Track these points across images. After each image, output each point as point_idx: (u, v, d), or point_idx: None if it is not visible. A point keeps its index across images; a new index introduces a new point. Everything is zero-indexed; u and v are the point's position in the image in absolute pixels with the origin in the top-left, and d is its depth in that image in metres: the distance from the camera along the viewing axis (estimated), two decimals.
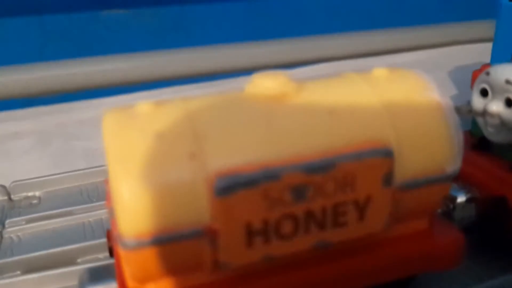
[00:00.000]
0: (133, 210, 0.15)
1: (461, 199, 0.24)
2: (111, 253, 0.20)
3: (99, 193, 0.33)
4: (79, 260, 0.28)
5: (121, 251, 0.16)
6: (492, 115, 0.24)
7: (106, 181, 0.19)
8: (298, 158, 0.16)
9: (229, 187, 0.15)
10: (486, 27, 0.58)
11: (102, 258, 0.28)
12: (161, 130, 0.16)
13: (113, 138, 0.16)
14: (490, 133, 0.25)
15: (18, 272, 0.27)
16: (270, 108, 0.17)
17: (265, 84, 0.18)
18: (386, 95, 0.18)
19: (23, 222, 0.30)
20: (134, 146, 0.16)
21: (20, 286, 0.26)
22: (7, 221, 0.30)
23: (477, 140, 0.27)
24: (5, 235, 0.29)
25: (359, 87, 0.18)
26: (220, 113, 0.17)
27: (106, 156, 0.16)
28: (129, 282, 0.17)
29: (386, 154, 0.17)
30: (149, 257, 0.16)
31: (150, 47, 0.52)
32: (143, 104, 0.17)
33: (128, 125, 0.16)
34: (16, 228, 0.30)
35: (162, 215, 0.15)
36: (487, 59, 0.33)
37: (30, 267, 0.27)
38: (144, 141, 0.16)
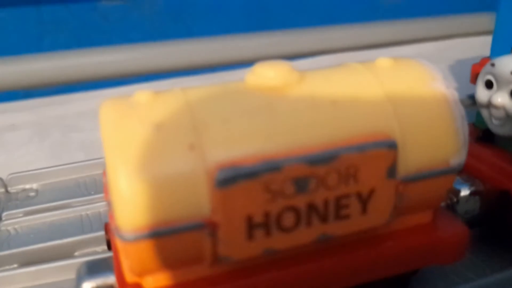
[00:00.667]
0: (131, 202, 0.15)
1: (464, 192, 0.24)
2: (109, 246, 0.20)
3: (97, 185, 0.33)
4: (76, 253, 0.28)
5: (119, 244, 0.16)
6: (497, 107, 0.24)
7: (104, 173, 0.19)
8: (300, 149, 0.16)
9: (230, 179, 0.15)
10: (486, 20, 0.58)
11: (100, 251, 0.28)
12: (160, 121, 0.16)
13: (110, 128, 0.16)
14: (494, 125, 0.25)
15: (15, 265, 0.27)
16: (271, 98, 0.17)
17: (267, 73, 0.17)
18: (390, 86, 0.18)
19: (20, 215, 0.30)
20: (132, 137, 0.15)
21: (17, 279, 0.26)
22: (4, 214, 0.30)
23: (481, 132, 0.26)
24: (2, 228, 0.29)
25: (362, 77, 0.18)
26: (220, 104, 0.17)
27: (103, 147, 0.16)
28: (128, 275, 0.17)
29: (390, 146, 0.17)
30: (148, 250, 0.15)
31: (149, 38, 0.52)
32: (141, 93, 0.16)
33: (126, 115, 0.16)
34: (13, 221, 0.29)
35: (160, 208, 0.15)
36: (486, 52, 0.32)
37: (27, 260, 0.27)
38: (142, 132, 0.15)
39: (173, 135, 0.15)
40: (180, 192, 0.15)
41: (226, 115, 0.16)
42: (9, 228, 0.29)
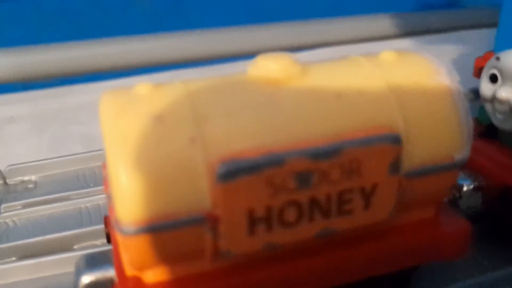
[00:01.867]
0: (131, 195, 0.15)
1: (467, 187, 0.24)
2: (109, 239, 0.20)
3: (96, 178, 0.33)
4: (75, 247, 0.27)
5: (119, 238, 0.16)
6: (501, 101, 0.24)
7: (103, 166, 0.19)
8: (303, 143, 0.16)
9: (232, 172, 0.15)
10: (488, 13, 0.57)
11: (99, 245, 0.27)
12: (161, 113, 0.15)
13: (110, 120, 0.16)
14: (498, 120, 0.25)
15: (14, 258, 0.27)
16: (274, 91, 0.17)
17: (269, 66, 0.17)
18: (395, 79, 0.18)
19: (19, 207, 0.30)
20: (132, 129, 0.15)
21: (15, 272, 0.25)
22: (2, 206, 0.30)
23: (484, 127, 0.26)
24: (1, 220, 0.29)
25: (366, 71, 0.18)
26: (222, 96, 0.16)
27: (103, 140, 0.16)
28: (127, 269, 0.17)
29: (394, 140, 0.17)
30: (148, 244, 0.15)
31: (148, 31, 0.52)
32: (142, 85, 0.16)
33: (126, 107, 0.16)
34: (11, 213, 0.29)
35: (161, 201, 0.15)
36: (488, 45, 0.32)
37: (26, 253, 0.27)
38: (143, 124, 0.15)
39: (174, 128, 0.15)
40: (181, 186, 0.15)
41: (227, 108, 0.16)
42: (7, 220, 0.29)
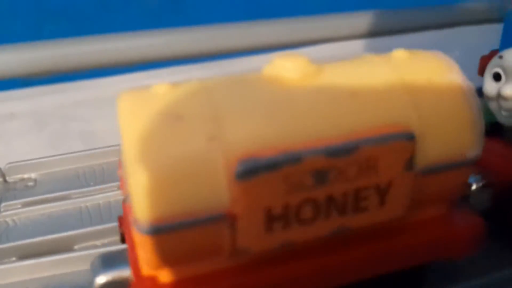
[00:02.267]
0: (150, 194, 0.14)
1: (476, 184, 0.24)
2: (123, 239, 0.20)
3: (96, 176, 0.33)
4: (76, 247, 0.27)
5: (136, 237, 0.16)
6: (506, 98, 0.24)
7: (119, 164, 0.18)
8: (320, 141, 0.16)
9: (250, 171, 0.15)
10: (493, 7, 0.57)
11: (99, 245, 0.27)
12: (179, 112, 0.15)
13: (129, 120, 0.15)
14: (504, 117, 0.25)
15: (14, 258, 0.26)
16: (290, 90, 0.17)
17: (285, 65, 0.17)
18: (408, 77, 0.18)
19: (19, 206, 0.30)
20: (151, 128, 0.15)
21: (15, 272, 0.25)
22: (2, 205, 0.30)
23: (490, 125, 0.26)
24: (1, 219, 0.29)
25: (380, 69, 0.18)
26: (239, 95, 0.16)
27: (122, 139, 0.16)
28: (144, 268, 0.17)
29: (409, 138, 0.17)
30: (167, 243, 0.15)
31: (148, 27, 0.51)
32: (160, 85, 0.16)
33: (145, 106, 0.16)
34: (11, 212, 0.29)
35: (180, 199, 0.15)
36: (494, 41, 0.32)
37: (26, 253, 0.26)
38: (162, 123, 0.15)
39: (193, 127, 0.15)
40: (200, 184, 0.15)
41: (245, 107, 0.16)
42: (7, 219, 0.29)
